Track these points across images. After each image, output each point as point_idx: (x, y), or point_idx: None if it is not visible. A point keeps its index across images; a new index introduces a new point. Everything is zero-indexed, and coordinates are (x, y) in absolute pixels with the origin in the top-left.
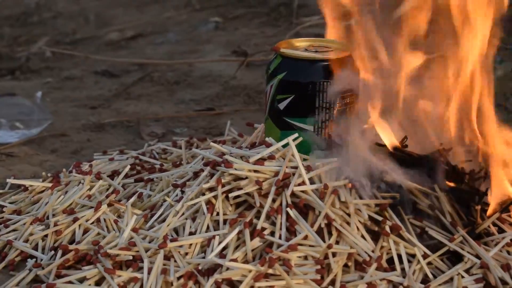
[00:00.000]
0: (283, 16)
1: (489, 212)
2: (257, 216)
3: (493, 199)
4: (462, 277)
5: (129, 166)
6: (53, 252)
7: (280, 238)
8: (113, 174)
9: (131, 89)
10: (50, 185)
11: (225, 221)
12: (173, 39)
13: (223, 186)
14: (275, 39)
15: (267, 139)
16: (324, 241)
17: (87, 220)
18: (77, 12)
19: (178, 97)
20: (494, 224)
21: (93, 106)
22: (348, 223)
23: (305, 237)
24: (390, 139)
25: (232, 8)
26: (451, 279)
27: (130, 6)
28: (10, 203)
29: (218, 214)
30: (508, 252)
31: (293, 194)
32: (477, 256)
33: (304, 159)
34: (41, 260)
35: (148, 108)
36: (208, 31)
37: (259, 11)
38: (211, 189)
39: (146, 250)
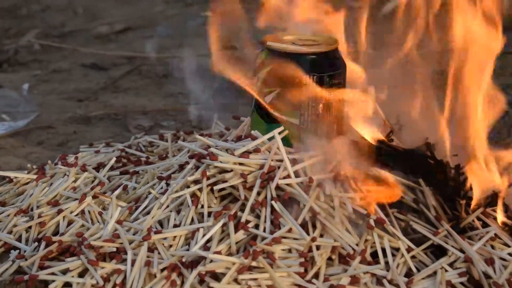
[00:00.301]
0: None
1: (472, 206)
2: (242, 209)
3: (477, 194)
4: (446, 270)
5: (114, 159)
6: (36, 243)
7: (264, 231)
8: (99, 167)
9: (119, 82)
10: (35, 177)
11: (209, 214)
12: (163, 33)
13: (208, 178)
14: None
15: (252, 132)
16: (308, 234)
17: (71, 212)
18: (66, 5)
19: (166, 90)
20: (479, 219)
21: (80, 98)
22: (332, 217)
23: (289, 230)
24: (374, 133)
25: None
26: (435, 272)
27: None
28: None
29: (202, 206)
30: (492, 246)
31: (278, 187)
32: (461, 250)
33: (290, 153)
34: (25, 251)
35: (135, 101)
36: (198, 25)
37: (246, 7)
38: (196, 182)
39: (130, 242)
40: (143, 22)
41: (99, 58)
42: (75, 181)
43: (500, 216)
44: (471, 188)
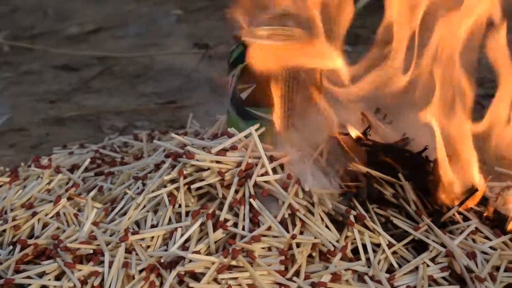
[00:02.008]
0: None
1: (452, 200)
2: (220, 208)
3: (457, 187)
4: (428, 266)
5: (89, 160)
6: (11, 247)
7: (243, 229)
8: (73, 168)
9: (91, 83)
10: (8, 179)
11: (187, 213)
12: (134, 32)
13: (185, 177)
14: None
15: (229, 129)
16: (288, 232)
17: (46, 214)
18: (36, 6)
19: (139, 90)
20: (459, 212)
21: (52, 100)
22: (312, 213)
23: (269, 228)
24: (353, 128)
25: (193, 1)
26: (417, 268)
27: None
28: None
29: (180, 206)
30: (473, 240)
31: (256, 185)
32: (442, 245)
33: (267, 149)
34: None
35: (108, 102)
36: (169, 24)
37: (220, 4)
38: (172, 181)
39: (107, 244)
40: (114, 21)
41: (70, 59)
42: (49, 183)
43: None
44: (450, 182)
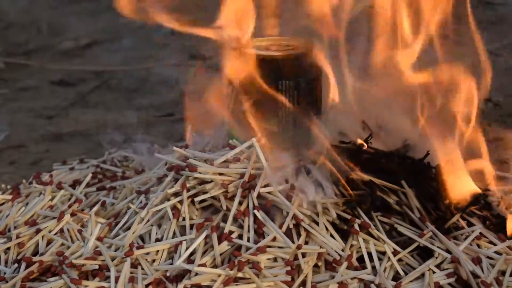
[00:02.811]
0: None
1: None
2: (224, 220)
3: (460, 193)
4: (434, 272)
5: (90, 175)
6: (16, 264)
7: (248, 240)
8: (75, 184)
9: (88, 98)
10: (10, 197)
11: (191, 226)
12: (128, 45)
13: (188, 190)
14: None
15: (230, 141)
16: (293, 242)
17: (50, 231)
18: (29, 22)
19: (136, 103)
20: (463, 218)
21: (50, 116)
22: (316, 223)
23: (274, 239)
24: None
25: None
26: (423, 275)
27: (83, 14)
28: None
29: (184, 219)
30: (478, 245)
31: (259, 196)
32: (448, 251)
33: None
34: (5, 273)
35: (106, 116)
36: (163, 36)
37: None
38: (176, 194)
39: (112, 259)
40: (108, 35)
41: (66, 74)
42: (51, 200)
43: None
44: (453, 187)
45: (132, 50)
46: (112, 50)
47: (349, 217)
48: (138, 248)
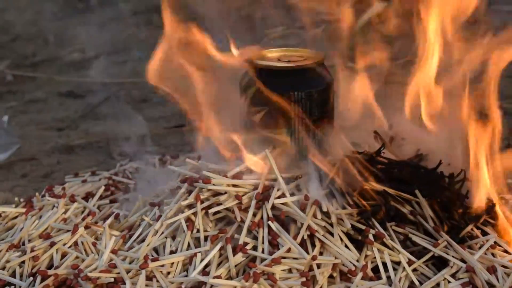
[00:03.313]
0: (246, 29)
1: (471, 214)
2: (238, 231)
3: (474, 202)
4: (449, 282)
5: (103, 187)
6: (31, 278)
7: (263, 252)
8: (87, 196)
9: (98, 109)
10: (23, 210)
11: (206, 238)
12: (136, 56)
13: (202, 202)
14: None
15: (243, 152)
16: (307, 253)
17: (64, 244)
18: (36, 34)
19: (146, 115)
20: (477, 227)
21: (60, 128)
22: (331, 234)
23: (288, 250)
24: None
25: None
26: (438, 284)
27: (90, 25)
28: None
29: (198, 231)
30: (493, 254)
31: (273, 207)
32: (462, 260)
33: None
34: (20, 287)
35: (116, 128)
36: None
37: (224, 25)
38: (189, 206)
39: (127, 272)
40: (115, 46)
41: (74, 86)
42: (65, 213)
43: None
44: (467, 197)
45: (139, 61)
46: (120, 61)
47: (363, 227)
48: (152, 260)
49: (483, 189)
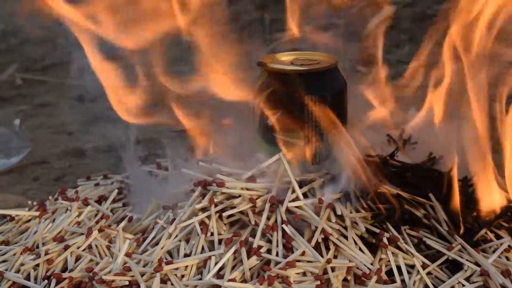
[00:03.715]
0: (256, 32)
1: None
2: (252, 234)
3: (488, 205)
4: (463, 285)
5: (116, 191)
6: (46, 281)
7: (277, 255)
8: (100, 199)
9: (108, 113)
10: (37, 213)
11: (220, 241)
12: (144, 60)
13: (215, 205)
14: (250, 56)
15: (257, 155)
16: (322, 256)
17: (78, 247)
18: (45, 37)
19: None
20: (491, 230)
21: (70, 131)
22: (345, 237)
23: (303, 253)
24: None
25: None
26: None
27: None
28: None
29: (212, 234)
30: (507, 258)
31: (287, 210)
32: (477, 264)
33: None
34: None
35: (127, 131)
36: (181, 50)
37: (230, 29)
38: (203, 209)
39: (142, 275)
40: (124, 50)
41: (84, 90)
42: (78, 216)
43: None
44: (480, 200)
45: (149, 65)
46: (129, 65)
47: (377, 230)
48: (167, 263)
49: (496, 192)
